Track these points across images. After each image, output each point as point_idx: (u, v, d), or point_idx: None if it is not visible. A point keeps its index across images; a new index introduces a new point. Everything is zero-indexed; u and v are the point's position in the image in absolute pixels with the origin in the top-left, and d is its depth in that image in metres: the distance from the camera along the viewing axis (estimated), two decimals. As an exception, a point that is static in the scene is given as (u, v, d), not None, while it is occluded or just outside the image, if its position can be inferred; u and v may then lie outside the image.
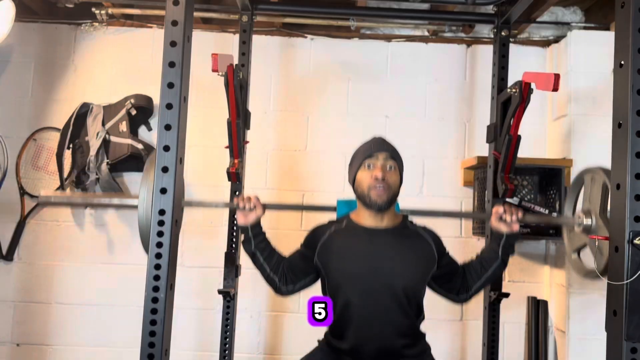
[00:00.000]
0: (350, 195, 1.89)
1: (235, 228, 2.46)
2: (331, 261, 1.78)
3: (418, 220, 1.96)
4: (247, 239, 1.80)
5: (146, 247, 1.50)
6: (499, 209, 1.78)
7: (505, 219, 1.76)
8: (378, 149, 1.78)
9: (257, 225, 1.79)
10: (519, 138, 2.24)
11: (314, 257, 1.82)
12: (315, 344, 1.93)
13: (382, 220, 1.80)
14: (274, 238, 2.95)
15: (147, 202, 1.53)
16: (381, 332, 1.73)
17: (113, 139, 2.89)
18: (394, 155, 1.79)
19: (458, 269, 1.86)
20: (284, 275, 1.83)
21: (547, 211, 2.76)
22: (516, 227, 1.78)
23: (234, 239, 2.46)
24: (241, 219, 1.77)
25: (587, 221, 1.71)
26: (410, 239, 1.82)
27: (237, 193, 2.47)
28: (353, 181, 1.81)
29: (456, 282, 1.85)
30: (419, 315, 1.83)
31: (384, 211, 1.77)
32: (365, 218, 1.81)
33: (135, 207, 1.57)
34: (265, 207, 1.79)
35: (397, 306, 1.73)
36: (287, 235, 2.98)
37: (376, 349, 1.73)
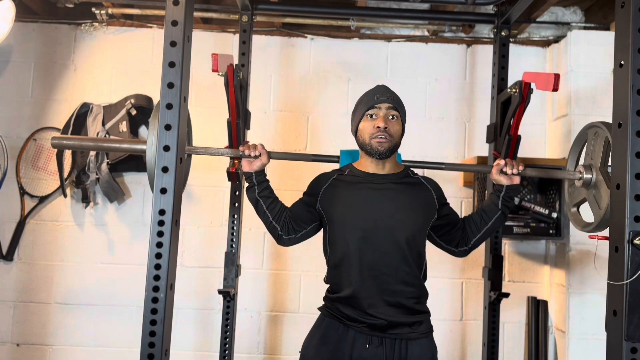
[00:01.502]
0: (352, 145, 1.88)
1: (234, 228, 2.46)
2: (333, 207, 1.79)
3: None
4: (251, 186, 1.83)
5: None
6: (500, 162, 1.81)
7: (506, 172, 1.80)
8: (380, 99, 1.77)
9: (261, 172, 1.83)
10: (519, 138, 2.24)
11: (316, 203, 1.82)
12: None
13: (383, 167, 1.80)
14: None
15: (154, 146, 1.57)
16: (382, 276, 1.72)
17: (113, 138, 2.89)
18: (396, 105, 1.78)
19: (458, 221, 1.87)
20: (287, 224, 1.85)
21: (547, 211, 2.77)
22: (517, 180, 1.81)
23: (234, 239, 2.46)
24: (246, 166, 1.81)
25: (587, 175, 1.77)
26: (411, 186, 1.82)
27: (236, 193, 2.47)
28: (355, 131, 1.82)
29: (456, 234, 1.86)
30: (421, 265, 1.82)
31: (385, 159, 1.78)
32: (367, 166, 1.82)
33: (143, 151, 1.68)
34: (270, 155, 1.83)
35: (398, 252, 1.73)
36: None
37: (377, 293, 1.71)
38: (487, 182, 2.52)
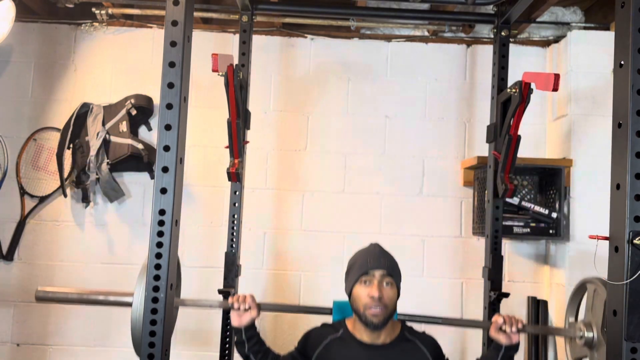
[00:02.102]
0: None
1: (234, 228, 2.46)
2: None
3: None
4: (240, 342, 1.76)
5: (137, 349, 1.48)
6: (498, 319, 1.74)
7: (504, 330, 1.73)
8: (375, 265, 1.75)
9: (251, 327, 1.77)
10: (519, 138, 2.24)
11: None
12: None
13: (379, 336, 1.78)
14: (275, 238, 2.96)
15: (141, 300, 1.47)
16: None
17: (113, 139, 2.89)
18: (391, 271, 1.76)
19: None
20: None
21: (547, 211, 2.77)
22: (516, 339, 1.73)
23: (234, 239, 2.46)
24: (235, 320, 1.74)
25: (588, 334, 1.69)
26: (407, 354, 1.79)
27: (236, 193, 2.47)
28: (349, 293, 1.80)
29: None
30: None
31: (380, 329, 1.75)
32: (362, 332, 1.79)
33: (130, 304, 1.53)
34: (260, 307, 1.76)
35: None
36: (287, 236, 2.99)
37: None
38: (487, 182, 2.52)
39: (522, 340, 2.95)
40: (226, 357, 2.45)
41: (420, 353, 1.80)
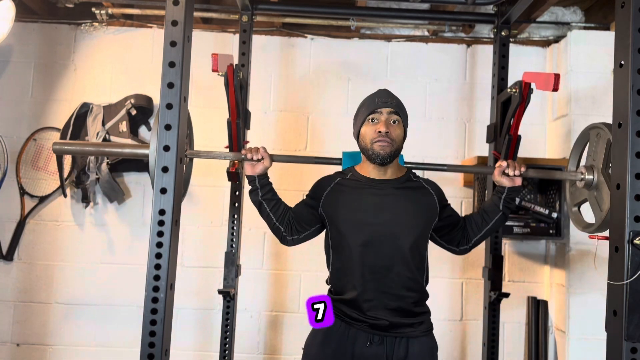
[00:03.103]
0: (355, 147, 1.88)
1: (234, 228, 2.46)
2: (335, 211, 1.80)
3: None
4: (254, 189, 1.84)
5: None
6: (502, 163, 1.80)
7: (507, 173, 1.79)
8: (382, 103, 1.78)
9: (264, 175, 1.84)
10: (519, 138, 2.24)
11: (318, 207, 1.84)
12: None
13: (385, 172, 1.81)
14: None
15: (157, 152, 1.55)
16: (384, 280, 1.73)
17: (113, 138, 2.89)
18: (398, 110, 1.78)
19: (459, 221, 1.88)
20: (290, 225, 1.86)
21: (547, 211, 2.77)
22: (518, 181, 1.81)
23: (234, 239, 2.46)
24: (249, 170, 1.82)
25: (589, 176, 1.77)
26: (413, 190, 1.83)
27: (236, 193, 2.48)
28: (357, 135, 1.83)
29: (457, 234, 1.88)
30: (423, 269, 1.83)
31: (387, 164, 1.78)
32: (369, 170, 1.82)
33: (146, 156, 1.67)
34: (272, 158, 1.83)
35: (400, 256, 1.74)
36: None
37: (379, 297, 1.72)
38: (487, 182, 2.52)
39: (522, 337, 2.95)
40: (226, 357, 2.45)
41: (424, 190, 1.84)
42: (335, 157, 2.04)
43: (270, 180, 1.86)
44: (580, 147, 1.95)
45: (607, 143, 1.70)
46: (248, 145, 1.85)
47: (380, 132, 1.73)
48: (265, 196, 1.84)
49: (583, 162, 1.91)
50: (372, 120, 1.77)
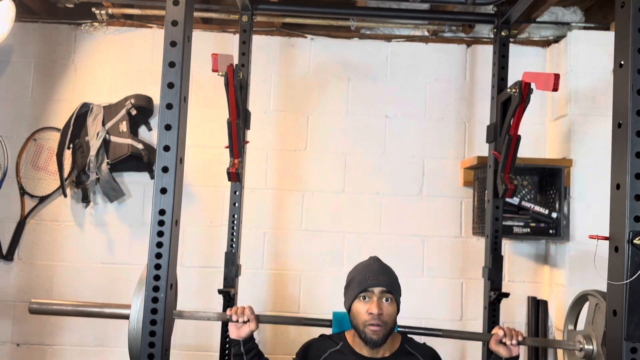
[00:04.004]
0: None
1: (234, 228, 2.46)
2: None
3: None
4: (238, 354, 1.73)
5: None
6: (498, 332, 1.73)
7: (505, 342, 1.72)
8: (374, 282, 1.74)
9: (250, 339, 1.73)
10: (519, 138, 2.24)
11: None
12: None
13: (378, 351, 1.77)
14: (275, 238, 2.96)
15: (139, 313, 1.46)
16: None
17: (113, 139, 2.89)
18: (390, 288, 1.75)
19: None
20: None
21: (547, 211, 2.77)
22: (516, 351, 1.73)
23: (234, 239, 2.46)
24: (234, 332, 1.71)
25: (588, 347, 1.69)
26: None
27: (236, 193, 2.47)
28: (349, 309, 1.79)
29: None
30: None
31: (379, 347, 1.75)
32: (361, 347, 1.78)
33: (127, 317, 1.50)
34: (259, 319, 1.73)
35: None
36: (287, 236, 2.99)
37: None
38: (487, 182, 2.52)
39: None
40: (226, 357, 2.44)
41: None
42: (326, 319, 1.93)
43: (256, 342, 1.76)
44: (577, 309, 1.90)
45: (605, 320, 1.62)
46: (235, 306, 1.76)
47: (372, 313, 1.70)
48: None
49: (579, 326, 1.84)
50: (364, 297, 1.74)
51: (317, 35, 3.07)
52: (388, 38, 3.09)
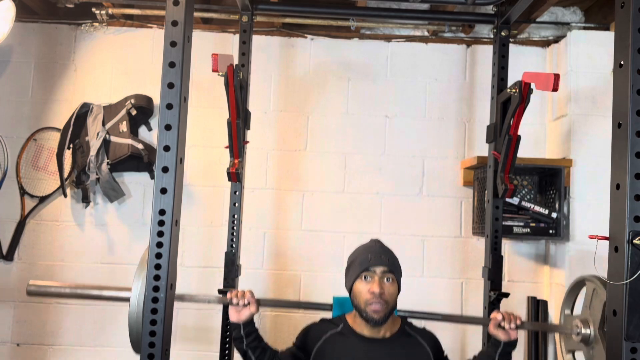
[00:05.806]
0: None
1: (234, 228, 2.46)
2: None
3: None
4: (238, 337, 1.74)
5: (135, 346, 1.47)
6: (497, 316, 1.75)
7: (503, 326, 1.74)
8: (376, 262, 1.75)
9: (250, 323, 1.75)
10: (519, 138, 2.24)
11: None
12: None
13: (379, 331, 1.78)
14: (275, 238, 2.96)
15: (140, 295, 1.46)
16: None
17: (113, 139, 2.89)
18: (392, 267, 1.76)
19: None
20: None
21: (547, 211, 2.77)
22: (514, 335, 1.75)
23: (234, 239, 2.46)
24: (234, 316, 1.72)
25: (585, 331, 1.71)
26: (407, 348, 1.80)
27: (236, 193, 2.47)
28: (350, 289, 1.80)
29: None
30: None
31: (380, 326, 1.76)
32: (362, 327, 1.79)
33: (127, 299, 1.49)
34: (259, 303, 1.73)
35: None
36: (287, 236, 2.99)
37: None
38: (487, 182, 2.52)
39: (522, 336, 2.95)
40: (226, 357, 2.45)
41: (420, 347, 1.81)
42: (326, 303, 1.96)
43: (256, 326, 1.78)
44: (574, 294, 1.91)
45: (604, 304, 1.65)
46: (235, 290, 1.77)
47: (374, 292, 1.71)
48: (251, 344, 1.76)
49: (577, 310, 1.85)
50: (366, 277, 1.75)
51: (317, 36, 3.07)
52: (388, 38, 3.09)
